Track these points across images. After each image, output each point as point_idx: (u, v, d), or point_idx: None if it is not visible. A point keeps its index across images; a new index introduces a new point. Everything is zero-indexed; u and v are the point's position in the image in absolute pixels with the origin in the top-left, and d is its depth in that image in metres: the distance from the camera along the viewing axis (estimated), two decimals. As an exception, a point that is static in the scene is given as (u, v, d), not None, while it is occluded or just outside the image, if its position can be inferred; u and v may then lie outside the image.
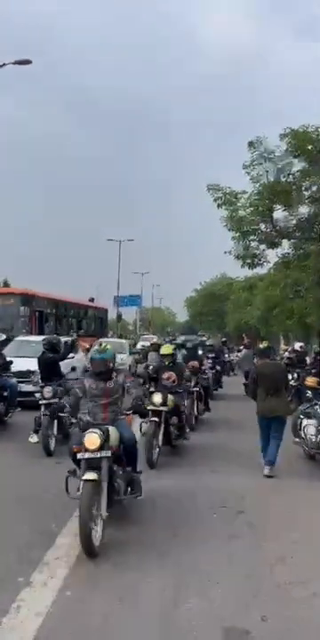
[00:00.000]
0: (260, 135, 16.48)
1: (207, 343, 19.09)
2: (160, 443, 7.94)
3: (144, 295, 61.03)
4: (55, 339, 10.11)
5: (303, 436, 8.28)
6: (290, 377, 10.58)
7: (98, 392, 5.56)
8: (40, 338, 11.45)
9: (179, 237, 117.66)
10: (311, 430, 8.06)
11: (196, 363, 11.64)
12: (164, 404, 8.00)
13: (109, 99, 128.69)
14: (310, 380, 10.23)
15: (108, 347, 5.88)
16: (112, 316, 43.80)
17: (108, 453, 4.94)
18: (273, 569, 4.64)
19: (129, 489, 5.49)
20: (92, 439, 4.89)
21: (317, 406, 8.30)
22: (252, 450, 8.19)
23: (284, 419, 7.83)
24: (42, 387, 8.88)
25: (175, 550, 4.96)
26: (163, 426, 7.99)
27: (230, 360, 24.44)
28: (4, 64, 19.50)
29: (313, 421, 8.11)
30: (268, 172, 16.44)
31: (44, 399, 8.63)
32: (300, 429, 8.39)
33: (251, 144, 16.48)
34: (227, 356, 23.64)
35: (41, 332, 17.81)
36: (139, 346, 26.17)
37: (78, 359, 14.46)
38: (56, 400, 8.67)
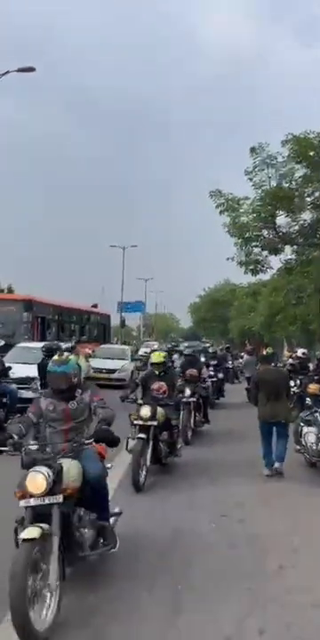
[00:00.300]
0: (261, 141, 16.50)
1: (210, 350, 18.89)
2: (148, 462, 7.09)
3: (147, 301, 61.25)
4: (55, 345, 10.10)
5: (304, 443, 8.22)
6: (292, 383, 10.53)
7: (57, 415, 4.43)
8: (41, 344, 11.42)
9: (181, 241, 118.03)
10: (311, 438, 8.02)
11: (194, 371, 10.99)
12: (153, 417, 7.19)
13: (109, 99, 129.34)
14: (313, 387, 10.17)
15: (71, 357, 4.71)
16: (116, 321, 43.83)
17: (60, 499, 3.76)
18: (272, 578, 4.57)
19: (101, 540, 4.33)
20: (36, 481, 3.75)
21: (317, 414, 8.23)
22: (253, 460, 8.16)
23: (284, 423, 8.04)
24: (40, 393, 8.82)
25: (173, 561, 4.89)
26: (151, 443, 7.18)
27: (233, 367, 24.19)
28: (7, 72, 19.64)
29: (313, 429, 8.06)
30: (270, 177, 16.44)
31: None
32: (301, 437, 8.33)
33: (253, 150, 16.48)
34: (230, 362, 23.43)
35: (43, 339, 17.79)
36: (141, 352, 26.07)
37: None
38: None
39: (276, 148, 16.33)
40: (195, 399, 10.47)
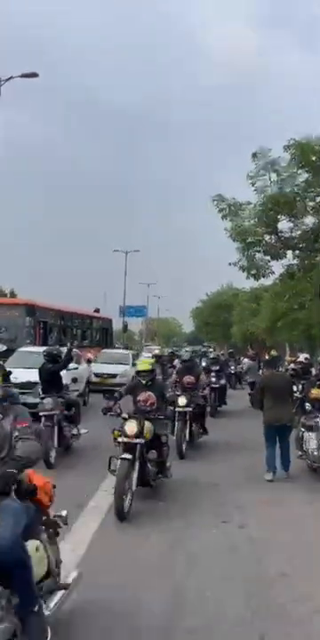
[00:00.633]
0: (261, 141, 16.56)
1: (211, 355, 18.67)
2: (134, 486, 6.19)
3: (150, 305, 61.31)
4: (56, 349, 10.07)
5: (305, 449, 8.20)
6: (294, 388, 10.50)
7: None
8: (42, 349, 11.41)
9: (184, 246, 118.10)
10: (313, 444, 8.01)
11: (191, 378, 10.20)
12: (139, 434, 6.35)
13: (109, 99, 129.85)
14: (315, 392, 10.15)
15: None
16: (118, 326, 43.86)
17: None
18: (273, 585, 4.55)
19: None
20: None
21: (319, 419, 8.21)
22: (253, 469, 8.12)
23: (289, 426, 8.22)
24: (42, 398, 8.84)
25: (174, 566, 4.87)
26: (138, 463, 6.29)
27: (236, 372, 24.05)
28: (11, 77, 19.74)
29: (314, 435, 8.05)
30: (271, 181, 16.44)
31: (45, 410, 8.56)
32: (303, 443, 8.31)
33: (255, 155, 16.49)
34: (233, 367, 23.27)
35: (45, 343, 17.78)
36: (142, 357, 25.76)
37: (81, 370, 14.42)
38: (57, 412, 8.61)
39: (277, 152, 16.35)
40: (191, 409, 9.59)
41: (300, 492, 7.43)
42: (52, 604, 3.26)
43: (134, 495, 6.19)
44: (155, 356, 15.71)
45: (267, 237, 17.04)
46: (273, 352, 21.95)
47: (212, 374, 15.04)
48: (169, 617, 3.97)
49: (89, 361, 17.84)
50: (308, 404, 8.81)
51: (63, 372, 9.73)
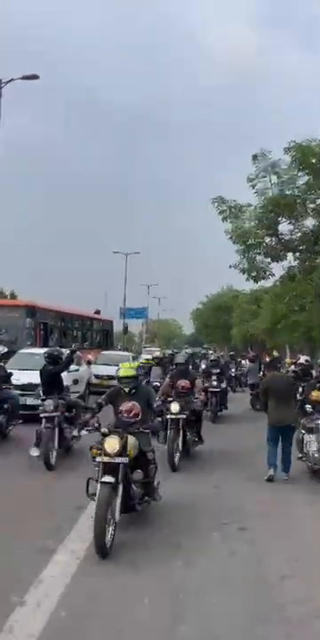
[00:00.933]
0: (261, 141, 16.58)
1: (211, 357, 18.44)
2: (117, 514, 5.22)
3: (150, 307, 61.32)
4: (57, 351, 10.08)
5: (306, 451, 8.22)
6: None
7: None
8: (43, 350, 11.42)
9: (184, 247, 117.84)
10: (314, 446, 8.03)
11: (186, 382, 9.41)
12: (122, 452, 5.40)
13: (109, 99, 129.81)
14: (315, 394, 10.18)
15: None
16: (118, 327, 43.88)
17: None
18: (274, 587, 4.56)
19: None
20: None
21: (319, 421, 8.23)
22: (253, 470, 8.11)
23: (293, 427, 8.33)
24: (43, 400, 8.84)
25: (174, 568, 4.87)
26: (121, 486, 5.32)
27: (236, 374, 24.01)
28: (11, 79, 19.80)
29: (315, 437, 8.07)
30: (272, 183, 16.45)
31: (46, 412, 8.57)
32: (303, 445, 8.33)
33: (255, 157, 16.51)
34: (233, 370, 23.20)
35: (45, 345, 17.79)
36: (141, 359, 25.46)
37: (81, 372, 14.42)
38: (57, 413, 8.62)
39: (277, 154, 16.37)
40: (184, 415, 8.84)
41: (301, 493, 7.44)
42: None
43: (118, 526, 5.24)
44: (155, 358, 15.22)
45: (267, 239, 17.05)
46: (274, 353, 21.98)
47: (213, 377, 14.50)
48: (169, 619, 3.98)
49: (89, 362, 17.85)
50: (308, 405, 8.83)
51: (64, 374, 9.74)
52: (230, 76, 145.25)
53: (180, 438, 8.79)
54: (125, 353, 25.46)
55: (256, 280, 17.99)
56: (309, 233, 17.03)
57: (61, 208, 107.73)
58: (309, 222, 17.13)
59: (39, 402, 9.04)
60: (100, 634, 3.78)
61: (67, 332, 23.01)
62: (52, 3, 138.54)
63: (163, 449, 8.16)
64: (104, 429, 5.67)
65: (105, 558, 4.93)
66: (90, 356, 19.73)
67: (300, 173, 16.38)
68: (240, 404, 16.54)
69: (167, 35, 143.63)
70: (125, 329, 46.88)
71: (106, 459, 5.34)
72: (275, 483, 7.88)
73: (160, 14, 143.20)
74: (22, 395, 11.13)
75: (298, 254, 17.61)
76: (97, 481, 5.27)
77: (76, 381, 11.37)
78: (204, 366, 17.84)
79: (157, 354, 14.88)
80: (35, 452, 8.33)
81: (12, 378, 10.74)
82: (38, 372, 9.62)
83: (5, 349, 11.22)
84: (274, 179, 16.52)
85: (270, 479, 7.89)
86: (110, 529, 5.09)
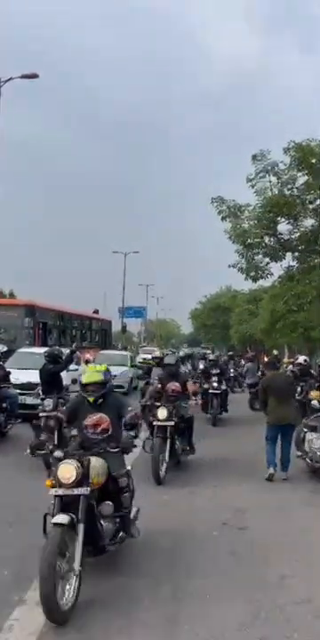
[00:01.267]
0: (261, 140, 16.62)
1: (210, 357, 18.28)
2: (77, 563, 3.97)
3: (149, 307, 61.33)
4: (57, 350, 10.07)
5: (307, 449, 8.22)
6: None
7: None
8: (42, 349, 11.41)
9: (183, 247, 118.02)
10: (316, 444, 8.00)
11: (175, 385, 8.56)
12: (82, 481, 4.19)
13: (109, 99, 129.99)
14: (314, 394, 10.23)
15: None
16: (117, 327, 43.83)
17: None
18: (274, 588, 4.55)
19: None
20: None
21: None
22: (253, 471, 8.10)
23: (293, 425, 8.32)
24: (42, 399, 8.84)
25: (174, 569, 4.87)
26: (82, 526, 4.06)
27: (235, 375, 23.95)
28: (10, 78, 19.75)
29: (317, 434, 8.07)
30: (271, 182, 16.47)
31: (45, 411, 8.56)
32: (304, 443, 8.33)
33: (254, 157, 16.53)
34: (232, 370, 23.13)
35: (44, 344, 17.78)
36: (139, 359, 25.21)
37: (81, 371, 14.39)
38: (57, 413, 8.60)
39: (277, 154, 16.40)
40: (172, 423, 8.01)
41: (300, 493, 7.43)
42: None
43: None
44: (155, 358, 14.82)
45: (266, 239, 17.08)
46: (274, 351, 21.97)
47: (213, 378, 13.91)
48: (168, 620, 3.97)
49: (87, 362, 17.82)
50: (314, 401, 8.89)
51: (63, 374, 9.74)
52: (230, 76, 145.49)
53: (168, 448, 7.94)
54: (124, 352, 25.42)
55: (255, 280, 18.04)
56: (308, 233, 17.06)
57: (61, 208, 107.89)
58: (308, 222, 17.17)
59: (38, 401, 9.04)
60: (101, 632, 3.78)
61: (66, 332, 23.01)
62: (51, 3, 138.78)
63: (148, 457, 7.62)
64: (57, 452, 4.47)
65: (63, 625, 3.75)
66: (88, 356, 19.70)
67: (299, 173, 16.41)
68: (240, 405, 16.17)
69: (167, 35, 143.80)
70: (124, 328, 46.88)
71: (60, 491, 4.16)
72: (274, 482, 7.88)
73: (160, 14, 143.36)
74: (21, 394, 11.13)
75: (297, 254, 17.64)
76: (52, 515, 4.12)
77: (75, 381, 11.33)
78: (202, 366, 17.76)
79: (157, 353, 14.54)
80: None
81: (11, 377, 10.74)
82: (37, 372, 9.62)
83: (5, 348, 11.22)
84: (273, 179, 16.55)
85: (270, 478, 7.90)
86: (67, 585, 3.90)
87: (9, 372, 10.64)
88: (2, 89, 19.49)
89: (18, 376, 11.21)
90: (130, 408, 5.24)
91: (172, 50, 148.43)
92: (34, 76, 19.73)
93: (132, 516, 4.98)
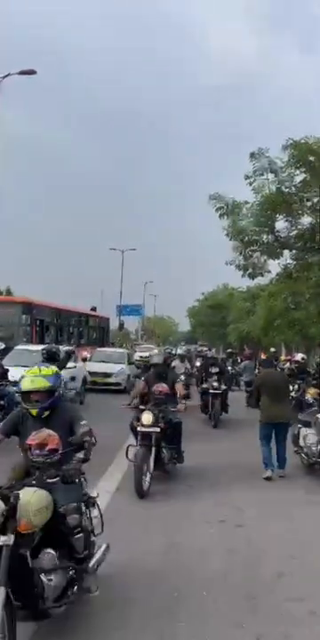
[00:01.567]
0: (260, 141, 16.59)
1: (209, 355, 18.28)
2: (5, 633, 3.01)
3: (146, 304, 61.34)
4: (55, 348, 10.07)
5: (302, 445, 8.23)
6: (290, 387, 10.56)
7: None
8: (40, 347, 11.39)
9: (180, 245, 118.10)
10: (311, 439, 8.02)
11: (163, 386, 7.86)
12: (5, 525, 3.12)
13: (109, 98, 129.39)
14: (311, 392, 10.30)
15: None
16: (115, 324, 43.85)
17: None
18: (271, 585, 4.55)
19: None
20: None
21: (319, 414, 8.25)
22: (252, 470, 8.10)
23: (287, 423, 8.29)
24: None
25: (170, 565, 4.87)
26: (3, 590, 2.99)
27: (233, 373, 23.89)
28: (8, 74, 19.69)
29: (312, 430, 8.08)
30: (268, 180, 16.46)
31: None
32: (299, 439, 8.35)
33: (252, 155, 16.50)
34: (230, 368, 23.09)
35: (41, 341, 17.77)
36: (136, 357, 25.02)
37: (78, 369, 14.40)
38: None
39: (275, 152, 16.36)
40: (158, 429, 7.23)
41: (297, 490, 7.43)
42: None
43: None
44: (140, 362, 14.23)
45: (264, 237, 17.06)
46: (271, 349, 22.00)
47: (213, 378, 13.30)
48: (166, 617, 3.97)
49: (84, 359, 17.82)
50: (309, 397, 8.90)
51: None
52: (230, 76, 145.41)
53: (153, 456, 7.14)
54: (121, 350, 25.41)
55: (252, 277, 18.03)
56: (306, 231, 17.05)
57: (61, 208, 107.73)
58: (306, 220, 17.16)
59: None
60: (101, 623, 3.77)
61: (63, 329, 22.99)
62: (51, 3, 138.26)
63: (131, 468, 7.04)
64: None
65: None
66: (85, 353, 19.70)
67: (297, 171, 16.39)
68: (239, 404, 15.71)
69: (167, 35, 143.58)
70: (121, 326, 46.93)
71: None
72: (271, 480, 7.88)
73: (160, 14, 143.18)
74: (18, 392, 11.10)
75: (294, 252, 17.64)
76: None
77: (72, 378, 11.37)
78: (198, 364, 17.74)
79: (156, 351, 14.29)
80: None
81: (9, 374, 10.72)
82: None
83: (2, 346, 11.20)
84: (271, 176, 16.53)
85: (268, 479, 7.89)
86: None
87: (7, 370, 10.61)
88: (1, 85, 19.45)
89: (14, 373, 11.18)
90: (82, 422, 4.19)
91: (171, 49, 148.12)
92: (31, 72, 19.70)
93: (91, 565, 3.88)
